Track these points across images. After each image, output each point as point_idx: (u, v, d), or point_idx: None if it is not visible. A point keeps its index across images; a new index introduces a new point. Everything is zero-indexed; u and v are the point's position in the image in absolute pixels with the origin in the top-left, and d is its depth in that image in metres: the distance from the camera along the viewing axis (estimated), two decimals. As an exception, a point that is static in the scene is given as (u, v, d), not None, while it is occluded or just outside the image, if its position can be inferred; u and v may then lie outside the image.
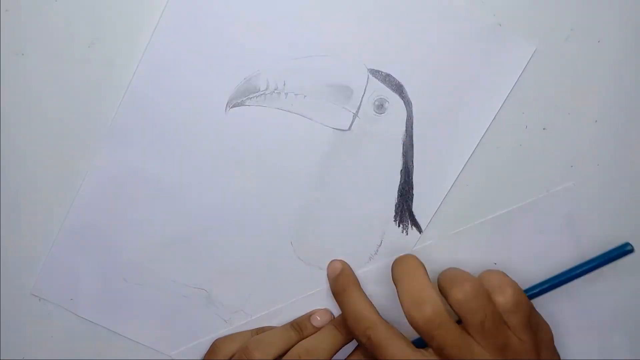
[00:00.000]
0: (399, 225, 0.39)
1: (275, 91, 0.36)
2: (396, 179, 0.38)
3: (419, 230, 0.39)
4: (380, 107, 0.37)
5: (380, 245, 0.39)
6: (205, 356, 0.40)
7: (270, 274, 0.39)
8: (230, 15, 0.35)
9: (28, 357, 0.40)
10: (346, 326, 0.38)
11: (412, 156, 0.38)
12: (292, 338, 0.39)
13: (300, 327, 0.39)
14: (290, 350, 0.38)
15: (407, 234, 0.39)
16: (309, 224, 0.39)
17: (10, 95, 0.36)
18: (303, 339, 0.39)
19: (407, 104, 0.37)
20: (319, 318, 0.39)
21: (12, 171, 0.37)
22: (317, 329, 0.39)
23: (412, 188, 0.39)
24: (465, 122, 0.38)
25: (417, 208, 0.39)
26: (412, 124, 0.38)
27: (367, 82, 0.37)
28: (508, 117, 0.38)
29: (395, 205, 0.39)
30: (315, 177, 0.38)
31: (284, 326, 0.39)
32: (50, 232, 0.38)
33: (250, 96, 0.36)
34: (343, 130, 0.38)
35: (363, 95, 0.37)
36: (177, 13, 0.35)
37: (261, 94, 0.36)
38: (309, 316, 0.40)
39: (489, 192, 0.39)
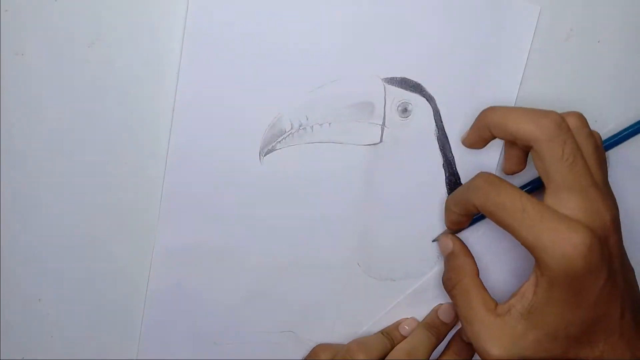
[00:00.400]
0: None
1: (301, 128, 0.37)
2: (441, 175, 0.38)
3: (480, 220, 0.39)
4: (404, 111, 0.37)
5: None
6: (306, 357, 0.40)
7: (347, 299, 0.40)
8: (238, 67, 0.36)
9: (28, 357, 0.39)
10: (436, 327, 0.38)
11: (450, 148, 0.38)
12: (387, 344, 0.39)
13: (391, 336, 0.40)
14: (391, 352, 0.39)
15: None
16: (370, 241, 0.39)
17: (10, 95, 0.35)
18: (394, 347, 0.39)
19: (430, 99, 0.37)
20: (407, 327, 0.40)
21: (12, 171, 0.36)
22: (404, 337, 0.40)
23: (459, 179, 0.39)
24: (492, 98, 0.37)
25: (469, 196, 0.39)
26: (440, 117, 0.38)
27: (385, 91, 0.37)
28: None
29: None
30: (363, 196, 0.38)
31: (377, 333, 0.40)
32: (50, 232, 0.37)
33: (279, 139, 0.37)
34: (376, 144, 0.38)
35: (385, 105, 0.37)
36: (187, 88, 0.36)
37: (288, 134, 0.37)
38: (396, 325, 0.40)
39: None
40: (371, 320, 0.40)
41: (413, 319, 0.40)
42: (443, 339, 0.39)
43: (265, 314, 0.40)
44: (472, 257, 0.37)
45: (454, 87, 0.37)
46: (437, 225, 0.39)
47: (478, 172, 0.35)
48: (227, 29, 0.35)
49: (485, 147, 0.37)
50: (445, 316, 0.40)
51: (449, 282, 0.37)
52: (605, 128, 0.38)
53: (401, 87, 0.37)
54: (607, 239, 0.31)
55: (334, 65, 0.36)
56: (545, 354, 0.32)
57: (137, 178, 0.37)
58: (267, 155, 0.37)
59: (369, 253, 0.39)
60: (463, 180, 0.38)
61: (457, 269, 0.36)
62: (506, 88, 0.38)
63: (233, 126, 0.37)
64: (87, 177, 0.37)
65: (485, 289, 0.35)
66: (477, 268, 0.36)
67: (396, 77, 0.37)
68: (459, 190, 0.36)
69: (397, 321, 0.40)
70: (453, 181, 0.39)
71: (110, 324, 0.39)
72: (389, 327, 0.40)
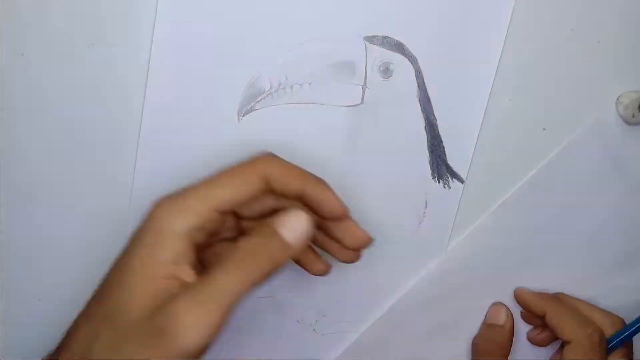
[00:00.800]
0: (438, 182, 0.38)
1: (280, 87, 0.36)
2: (423, 137, 0.38)
3: (460, 180, 0.38)
4: (386, 70, 0.37)
5: (426, 207, 0.39)
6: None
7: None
8: (216, 26, 0.35)
9: (28, 357, 0.39)
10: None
11: (432, 109, 0.38)
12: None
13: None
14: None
15: (449, 187, 0.38)
16: (351, 204, 0.39)
17: (10, 95, 0.36)
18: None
19: (412, 60, 0.37)
20: None
21: (13, 171, 0.37)
22: None
23: (441, 141, 0.38)
24: (475, 59, 0.37)
25: (452, 159, 0.38)
26: (422, 78, 0.37)
27: (366, 50, 0.36)
28: (507, 117, 0.38)
29: (430, 162, 0.38)
30: (344, 158, 0.38)
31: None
32: (50, 232, 0.37)
33: (258, 99, 0.36)
34: (357, 105, 0.37)
35: (366, 65, 0.37)
36: (165, 41, 0.35)
37: (267, 94, 0.36)
38: None
39: (490, 192, 0.39)
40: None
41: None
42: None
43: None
44: (512, 339, 0.37)
45: (437, 48, 0.37)
46: (419, 190, 0.39)
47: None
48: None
49: (467, 107, 0.37)
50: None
51: (478, 349, 0.37)
52: (606, 128, 0.39)
53: (382, 46, 0.36)
54: None
55: (315, 23, 0.36)
56: None
57: (139, 178, 0.37)
58: (246, 116, 0.36)
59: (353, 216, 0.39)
60: (445, 143, 0.38)
61: (493, 344, 0.37)
62: (488, 49, 0.37)
63: (211, 85, 0.36)
64: (87, 176, 0.37)
65: None
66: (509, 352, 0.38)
67: (378, 36, 0.36)
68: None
69: None
70: (436, 144, 0.38)
71: None
72: None
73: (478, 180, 0.39)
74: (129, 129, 0.36)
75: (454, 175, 0.38)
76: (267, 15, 0.35)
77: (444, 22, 0.36)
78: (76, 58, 0.35)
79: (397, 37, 0.36)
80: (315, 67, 0.36)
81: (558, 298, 0.38)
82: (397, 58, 0.37)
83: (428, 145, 0.38)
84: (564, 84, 0.38)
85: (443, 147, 0.38)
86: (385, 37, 0.36)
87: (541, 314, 0.37)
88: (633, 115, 0.38)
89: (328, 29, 0.36)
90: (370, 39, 0.36)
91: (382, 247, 0.39)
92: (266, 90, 0.36)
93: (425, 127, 0.38)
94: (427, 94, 0.37)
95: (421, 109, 0.38)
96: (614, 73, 0.38)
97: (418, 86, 0.37)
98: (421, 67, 0.37)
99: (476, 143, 0.38)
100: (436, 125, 0.38)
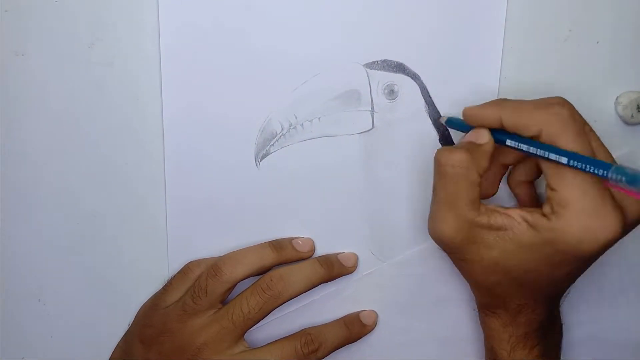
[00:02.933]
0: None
1: (291, 127, 0.37)
2: (439, 150, 0.38)
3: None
4: (390, 92, 0.37)
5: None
6: (175, 276, 0.38)
7: (365, 289, 0.40)
8: (218, 79, 0.36)
9: (28, 357, 0.39)
10: (330, 263, 0.37)
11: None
12: (268, 256, 0.37)
13: (281, 246, 0.37)
14: (266, 273, 0.36)
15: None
16: (380, 228, 0.39)
17: (10, 95, 0.36)
18: (281, 262, 0.37)
19: (415, 77, 0.37)
20: (300, 242, 0.38)
21: (13, 171, 0.37)
22: (297, 253, 0.38)
23: (457, 150, 0.38)
24: (477, 64, 0.37)
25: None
26: (428, 93, 0.37)
27: (368, 76, 0.37)
28: None
29: (450, 174, 0.38)
30: (366, 184, 0.38)
31: (261, 244, 0.37)
32: (50, 232, 0.38)
33: (272, 143, 0.37)
34: (368, 130, 0.38)
35: (370, 91, 0.37)
36: (174, 99, 0.36)
37: (280, 136, 0.37)
38: (290, 239, 0.38)
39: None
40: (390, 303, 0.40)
41: (309, 239, 0.38)
42: (333, 279, 0.38)
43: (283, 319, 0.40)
44: (489, 163, 0.33)
45: (437, 61, 0.37)
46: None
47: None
48: (204, 37, 0.35)
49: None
50: (346, 261, 0.38)
51: (458, 158, 0.32)
52: (606, 129, 0.38)
53: (383, 70, 0.37)
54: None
55: (314, 60, 0.36)
56: (491, 276, 0.33)
57: (137, 178, 0.37)
58: (264, 160, 0.37)
59: (381, 240, 0.39)
60: (462, 152, 0.38)
61: (477, 158, 0.32)
62: (489, 52, 0.37)
63: (225, 136, 0.37)
64: (87, 176, 0.37)
65: (479, 191, 0.32)
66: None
67: (377, 61, 0.37)
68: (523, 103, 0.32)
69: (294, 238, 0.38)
70: (452, 154, 0.38)
71: (110, 324, 0.39)
72: (282, 238, 0.38)
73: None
74: (129, 125, 0.36)
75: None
76: (266, 61, 0.36)
77: (439, 35, 0.37)
78: (76, 58, 0.35)
79: (397, 59, 0.37)
80: (321, 101, 0.37)
81: (502, 100, 0.33)
82: (399, 78, 0.37)
83: (445, 157, 0.38)
84: (563, 85, 0.38)
85: (460, 156, 0.38)
86: (384, 61, 0.37)
87: (496, 121, 0.32)
88: (632, 116, 0.37)
89: (327, 63, 0.36)
90: (371, 65, 0.37)
91: (410, 266, 0.40)
92: (278, 132, 0.37)
93: (439, 139, 0.38)
94: (436, 108, 0.38)
95: (432, 123, 0.38)
96: (612, 73, 0.38)
97: (425, 101, 0.38)
98: (425, 83, 0.37)
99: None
100: (450, 137, 0.38)
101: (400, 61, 0.37)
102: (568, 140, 0.30)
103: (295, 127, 0.37)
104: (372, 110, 0.37)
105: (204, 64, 0.36)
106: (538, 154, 0.30)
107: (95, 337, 0.39)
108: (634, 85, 0.38)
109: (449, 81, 0.37)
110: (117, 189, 0.38)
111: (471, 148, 0.32)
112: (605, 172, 0.28)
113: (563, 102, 0.31)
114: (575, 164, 0.29)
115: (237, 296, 0.36)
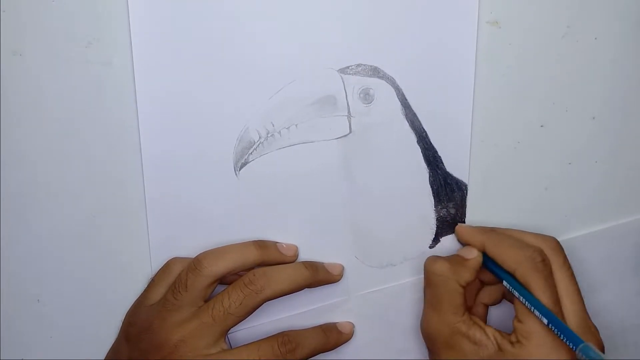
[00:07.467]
0: (442, 191, 0.39)
1: (269, 135, 0.37)
2: (417, 151, 0.38)
3: (464, 186, 0.39)
4: (366, 96, 0.37)
5: (436, 219, 0.39)
6: (157, 273, 0.38)
7: (354, 293, 0.40)
8: (193, 86, 0.36)
9: (28, 357, 0.39)
10: (316, 269, 0.38)
11: (420, 123, 0.38)
12: (251, 254, 0.37)
13: (264, 245, 0.37)
14: (250, 270, 0.36)
15: (454, 195, 0.39)
16: (364, 233, 0.39)
17: (8, 95, 0.36)
18: (264, 262, 0.37)
19: (390, 80, 0.37)
20: (284, 246, 0.38)
21: (12, 171, 0.37)
22: (281, 255, 0.38)
23: (436, 151, 0.38)
24: (452, 63, 0.37)
25: (450, 167, 0.38)
26: (403, 95, 0.38)
27: (343, 81, 0.37)
28: (505, 115, 0.38)
29: (429, 175, 0.38)
30: (346, 189, 0.38)
31: (244, 242, 0.38)
32: (50, 232, 0.38)
33: (250, 151, 0.37)
34: (346, 135, 0.38)
35: (346, 96, 0.37)
36: (150, 115, 0.36)
37: (258, 144, 0.37)
38: (275, 242, 0.38)
39: (489, 192, 0.39)
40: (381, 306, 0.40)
41: (294, 245, 0.39)
42: (318, 284, 0.38)
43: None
44: (474, 277, 0.37)
45: (411, 63, 0.37)
46: (426, 205, 0.39)
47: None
48: (178, 49, 0.35)
49: (454, 112, 0.38)
50: (332, 269, 0.39)
51: (440, 268, 0.37)
52: (604, 125, 0.38)
53: (358, 74, 0.37)
54: None
55: (288, 67, 0.36)
56: None
57: (137, 178, 0.37)
58: (243, 169, 0.37)
59: (365, 244, 0.39)
60: (440, 152, 0.38)
61: (459, 271, 0.37)
62: (464, 50, 0.37)
63: (203, 146, 0.37)
64: (87, 176, 0.37)
65: (465, 301, 0.36)
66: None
67: (351, 65, 0.37)
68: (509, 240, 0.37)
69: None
70: (431, 155, 0.38)
71: (110, 324, 0.39)
72: (267, 241, 0.38)
73: (480, 180, 0.39)
74: (127, 127, 0.36)
75: (456, 181, 0.39)
76: (241, 70, 0.36)
77: (413, 36, 0.37)
78: (74, 58, 0.35)
79: (371, 62, 0.37)
80: (297, 108, 0.37)
81: (494, 230, 0.38)
82: (374, 82, 0.37)
83: (424, 158, 0.38)
84: (560, 81, 0.38)
85: (439, 156, 0.38)
86: (359, 65, 0.37)
87: (480, 247, 0.37)
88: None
89: (302, 69, 0.36)
90: (345, 70, 0.37)
91: (396, 267, 0.40)
92: (256, 140, 0.37)
93: (417, 141, 0.38)
94: (412, 109, 0.38)
95: (409, 125, 0.38)
96: (610, 70, 0.38)
97: (401, 104, 0.38)
98: (400, 85, 0.37)
99: (470, 145, 0.38)
100: (428, 137, 0.38)
101: (375, 65, 0.37)
102: (537, 286, 0.34)
103: (272, 135, 0.37)
104: (349, 115, 0.38)
105: (180, 75, 0.36)
106: (513, 293, 0.35)
107: (94, 337, 0.39)
108: (633, 81, 0.38)
109: (424, 81, 0.37)
110: (117, 189, 0.37)
111: (456, 260, 0.37)
112: (574, 346, 0.32)
113: (539, 250, 0.35)
114: (552, 327, 0.33)
115: (219, 292, 0.36)
